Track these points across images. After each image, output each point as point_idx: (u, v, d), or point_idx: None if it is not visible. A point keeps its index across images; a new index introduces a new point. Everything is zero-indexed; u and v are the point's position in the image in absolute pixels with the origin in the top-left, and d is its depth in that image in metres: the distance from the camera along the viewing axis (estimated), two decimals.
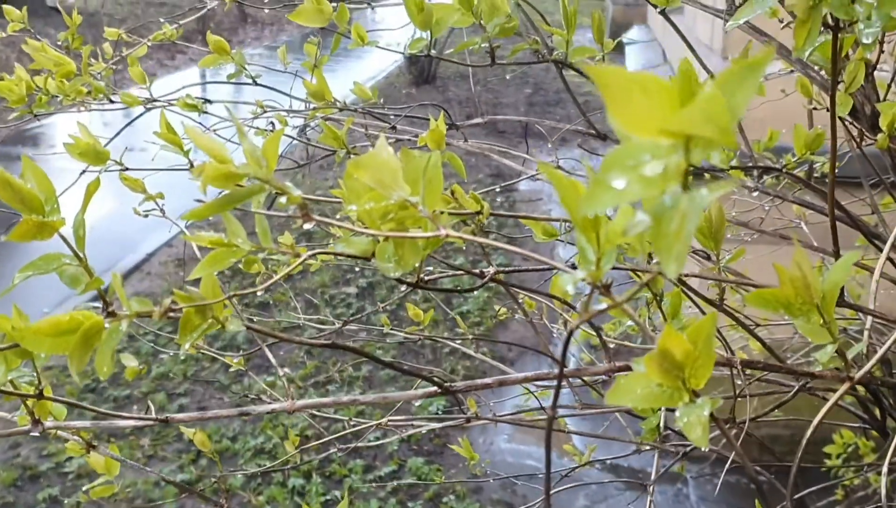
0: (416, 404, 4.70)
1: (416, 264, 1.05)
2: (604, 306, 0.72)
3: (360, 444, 2.33)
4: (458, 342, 2.11)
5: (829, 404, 0.85)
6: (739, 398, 2.12)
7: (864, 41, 0.95)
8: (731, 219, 2.03)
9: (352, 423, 1.73)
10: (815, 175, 2.31)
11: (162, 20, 2.00)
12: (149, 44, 1.90)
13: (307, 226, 0.80)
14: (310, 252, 0.85)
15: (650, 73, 0.54)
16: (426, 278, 1.12)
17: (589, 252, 0.69)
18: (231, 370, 5.13)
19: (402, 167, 0.88)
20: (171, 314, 0.80)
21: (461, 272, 1.21)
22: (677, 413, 0.79)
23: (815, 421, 0.91)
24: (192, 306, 0.83)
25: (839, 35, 0.96)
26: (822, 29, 0.97)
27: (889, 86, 1.48)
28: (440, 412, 4.72)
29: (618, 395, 0.77)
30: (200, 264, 0.86)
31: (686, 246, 0.55)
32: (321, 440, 1.95)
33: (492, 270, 1.14)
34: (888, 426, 1.71)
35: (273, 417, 4.65)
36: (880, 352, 0.86)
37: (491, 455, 4.58)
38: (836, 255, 1.13)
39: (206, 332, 0.91)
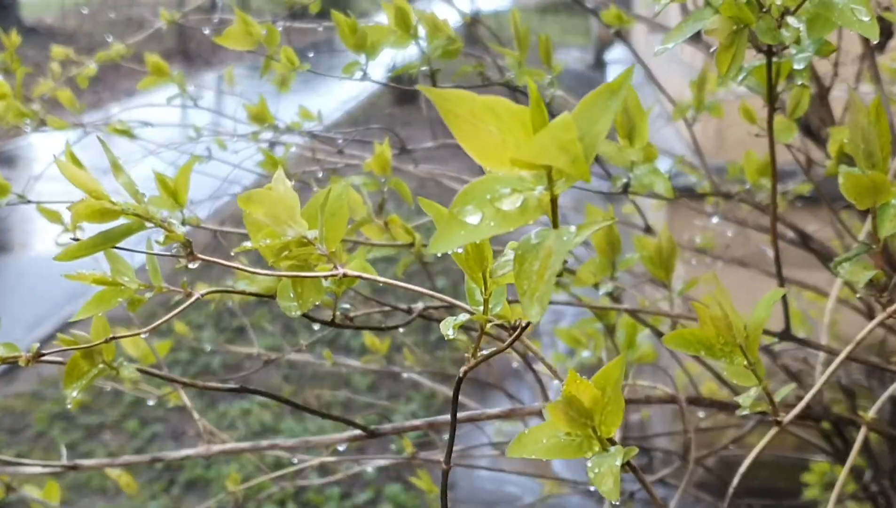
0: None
1: (335, 301, 1.00)
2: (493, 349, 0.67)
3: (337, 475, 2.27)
4: (406, 374, 2.05)
5: (752, 453, 0.80)
6: (713, 430, 2.07)
7: (797, 66, 0.90)
8: (687, 245, 1.98)
9: (296, 461, 1.67)
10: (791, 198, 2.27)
11: (109, 38, 1.95)
12: (94, 66, 1.86)
13: (192, 265, 0.74)
14: (204, 291, 0.80)
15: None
16: (353, 314, 1.07)
17: (476, 292, 0.64)
18: (205, 396, 5.05)
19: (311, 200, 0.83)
20: (44, 361, 0.74)
21: (388, 308, 1.16)
22: (588, 464, 0.74)
23: (744, 466, 0.86)
24: (72, 349, 0.78)
25: (773, 59, 0.92)
26: (756, 53, 0.92)
27: (845, 111, 1.43)
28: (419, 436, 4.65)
29: (520, 447, 0.72)
30: (86, 304, 0.80)
31: (549, 287, 0.50)
32: (297, 468, 1.89)
33: (420, 306, 1.09)
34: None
35: (250, 441, 4.58)
36: (809, 394, 0.81)
37: (470, 480, 4.51)
38: (780, 284, 1.08)
39: (98, 377, 0.85)
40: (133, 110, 1.94)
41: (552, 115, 1.41)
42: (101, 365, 0.84)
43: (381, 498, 4.38)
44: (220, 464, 4.46)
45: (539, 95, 0.48)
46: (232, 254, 0.79)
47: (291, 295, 0.84)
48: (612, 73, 8.39)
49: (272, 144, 2.00)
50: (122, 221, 0.73)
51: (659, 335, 1.47)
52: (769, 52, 0.90)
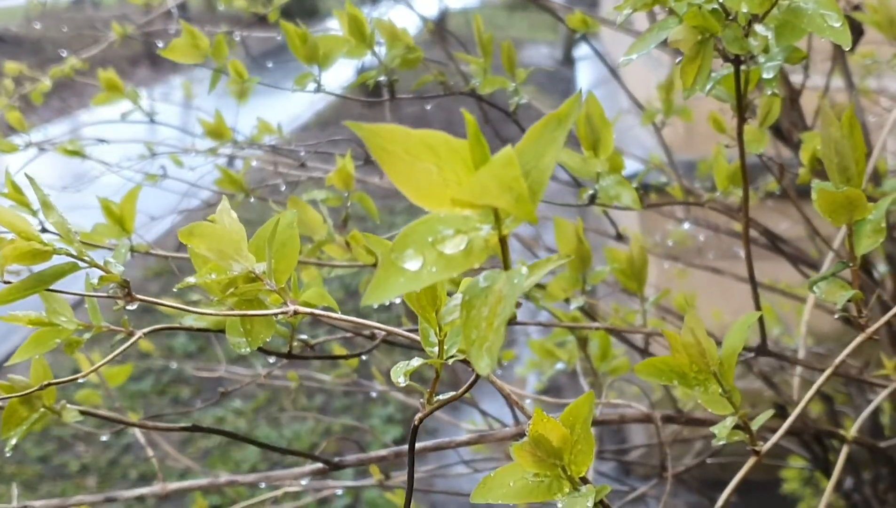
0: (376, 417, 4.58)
1: (291, 333, 0.95)
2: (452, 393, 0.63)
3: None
4: (374, 393, 2.01)
5: (732, 482, 0.77)
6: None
7: (766, 76, 0.87)
8: (658, 251, 1.95)
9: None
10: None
11: (64, 53, 1.90)
12: (48, 82, 1.80)
13: (130, 307, 0.70)
14: (145, 330, 0.75)
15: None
16: (313, 342, 1.03)
17: (430, 334, 0.60)
18: (178, 405, 5.00)
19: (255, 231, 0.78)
20: None
21: (350, 335, 1.11)
22: (559, 506, 0.70)
23: (725, 495, 0.82)
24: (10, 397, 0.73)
25: (741, 67, 0.88)
26: (723, 62, 0.89)
27: (816, 114, 1.40)
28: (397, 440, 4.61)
29: (486, 491, 0.68)
30: (21, 347, 0.76)
31: (500, 335, 0.45)
32: (269, 495, 1.84)
33: (383, 333, 1.05)
34: (831, 462, 1.63)
35: (223, 452, 4.53)
36: (788, 421, 0.77)
37: (447, 481, 4.48)
38: (755, 297, 1.04)
39: (39, 423, 0.81)
40: (91, 127, 1.88)
41: (519, 122, 1.34)
42: (41, 409, 0.79)
43: (359, 503, 4.33)
44: (196, 474, 4.40)
45: (477, 128, 0.43)
46: (175, 289, 0.75)
47: (241, 330, 0.80)
48: (581, 68, 8.37)
49: (231, 159, 1.95)
50: (55, 260, 0.69)
51: (633, 347, 1.43)
52: (737, 62, 0.87)
